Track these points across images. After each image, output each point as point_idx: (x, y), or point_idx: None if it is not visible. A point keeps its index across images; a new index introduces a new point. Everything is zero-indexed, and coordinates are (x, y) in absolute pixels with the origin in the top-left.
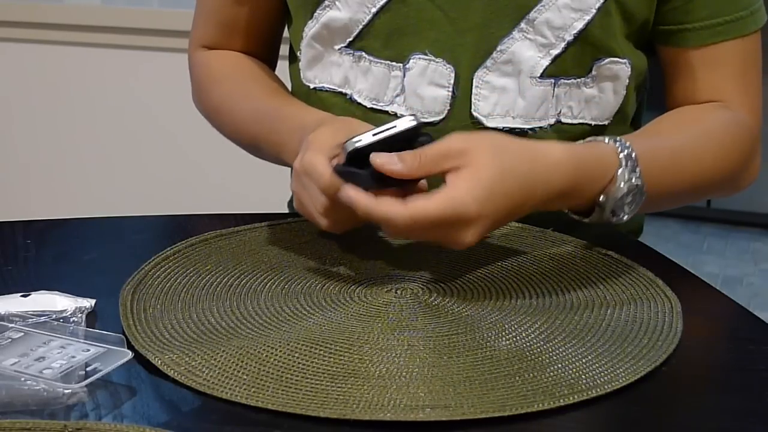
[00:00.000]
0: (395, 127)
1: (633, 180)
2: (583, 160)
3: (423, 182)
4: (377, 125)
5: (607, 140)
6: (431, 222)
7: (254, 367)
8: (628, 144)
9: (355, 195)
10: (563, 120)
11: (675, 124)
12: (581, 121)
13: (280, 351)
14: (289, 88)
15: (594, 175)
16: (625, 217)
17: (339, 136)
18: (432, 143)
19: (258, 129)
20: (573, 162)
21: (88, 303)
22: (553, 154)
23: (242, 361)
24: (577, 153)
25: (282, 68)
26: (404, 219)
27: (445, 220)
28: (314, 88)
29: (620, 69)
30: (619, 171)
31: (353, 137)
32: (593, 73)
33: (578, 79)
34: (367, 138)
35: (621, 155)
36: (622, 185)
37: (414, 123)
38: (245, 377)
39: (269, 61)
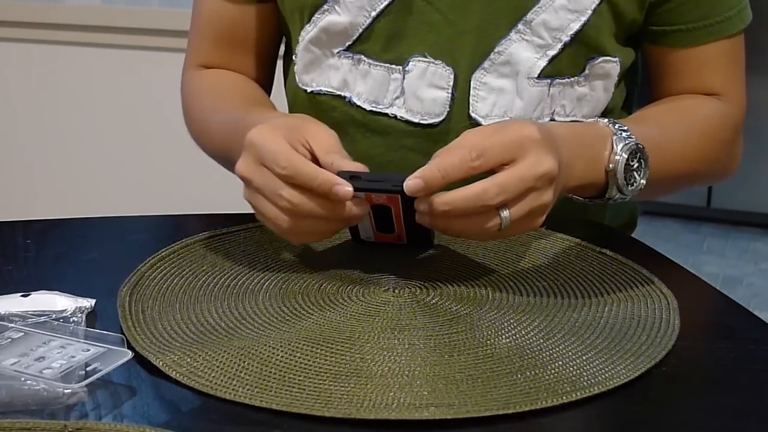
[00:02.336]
0: (387, 181)
1: (629, 143)
2: (577, 131)
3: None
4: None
5: (596, 119)
6: (521, 179)
7: (256, 367)
8: (617, 120)
9: (434, 167)
10: (557, 118)
11: (660, 112)
12: (573, 118)
13: (282, 351)
14: (283, 92)
15: (590, 141)
16: (642, 182)
17: (278, 133)
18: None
19: (225, 140)
20: (569, 133)
21: (88, 303)
22: (552, 128)
23: (244, 362)
24: (570, 126)
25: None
26: (495, 187)
27: (532, 177)
28: (312, 92)
29: (611, 67)
30: (614, 137)
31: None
32: (586, 72)
33: (572, 78)
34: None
35: (612, 127)
36: (622, 149)
37: (399, 188)
38: (248, 377)
39: (266, 78)
